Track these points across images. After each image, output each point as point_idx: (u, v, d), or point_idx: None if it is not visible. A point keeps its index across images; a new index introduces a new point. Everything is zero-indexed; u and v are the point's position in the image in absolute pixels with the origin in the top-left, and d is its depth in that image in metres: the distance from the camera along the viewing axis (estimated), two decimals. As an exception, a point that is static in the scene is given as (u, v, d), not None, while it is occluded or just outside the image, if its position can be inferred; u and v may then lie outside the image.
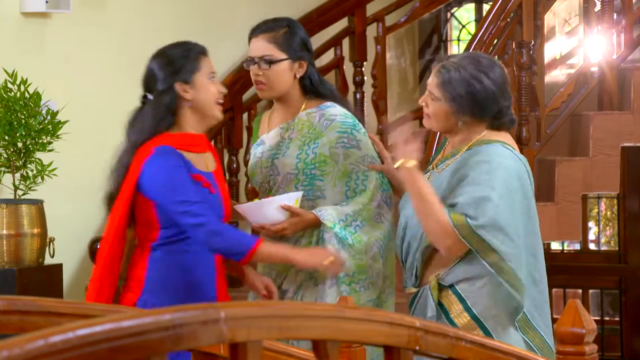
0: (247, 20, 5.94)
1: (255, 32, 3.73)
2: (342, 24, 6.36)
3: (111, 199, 3.50)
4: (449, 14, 8.65)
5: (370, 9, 6.44)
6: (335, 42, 6.31)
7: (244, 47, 5.89)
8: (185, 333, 1.61)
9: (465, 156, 3.49)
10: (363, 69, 6.40)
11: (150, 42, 5.38)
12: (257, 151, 3.71)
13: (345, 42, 6.38)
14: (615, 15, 5.78)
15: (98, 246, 4.38)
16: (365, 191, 3.67)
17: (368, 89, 6.48)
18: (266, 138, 3.72)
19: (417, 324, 2.05)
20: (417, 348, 2.05)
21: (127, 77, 5.31)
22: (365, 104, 6.42)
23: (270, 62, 3.65)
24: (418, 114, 7.05)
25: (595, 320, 2.52)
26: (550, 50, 6.78)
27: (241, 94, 5.84)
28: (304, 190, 3.63)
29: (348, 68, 6.39)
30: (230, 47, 5.87)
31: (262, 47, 3.68)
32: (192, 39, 5.63)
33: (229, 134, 5.79)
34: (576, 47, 6.82)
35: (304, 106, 3.70)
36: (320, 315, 1.89)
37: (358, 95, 6.39)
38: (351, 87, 6.39)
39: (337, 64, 6.34)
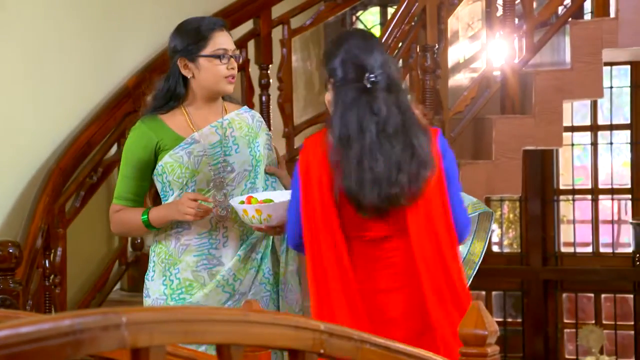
0: (151, 22, 5.90)
1: (220, 24, 3.68)
2: (248, 26, 6.34)
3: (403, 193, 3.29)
4: (354, 18, 8.70)
5: (276, 12, 6.44)
6: (240, 44, 6.28)
7: (148, 49, 5.86)
8: (86, 339, 1.58)
9: None
10: (269, 72, 6.39)
11: (51, 43, 5.31)
12: (194, 149, 3.61)
13: (251, 44, 6.36)
14: (516, 20, 5.87)
15: None
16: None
17: (274, 92, 6.47)
18: (198, 136, 3.64)
19: (322, 327, 2.04)
20: (322, 351, 2.04)
21: (27, 79, 5.21)
22: (271, 106, 6.41)
23: (239, 56, 3.74)
24: (323, 118, 7.08)
25: (498, 322, 2.55)
26: (454, 54, 6.86)
27: (144, 96, 5.78)
28: (250, 187, 3.68)
29: (253, 70, 6.37)
30: (135, 48, 5.80)
31: (230, 41, 3.69)
32: (94, 40, 5.57)
33: (133, 137, 5.72)
34: (479, 51, 6.91)
35: (225, 107, 3.73)
36: (225, 319, 1.87)
37: (264, 98, 6.37)
38: (257, 90, 6.37)
39: (242, 66, 6.31)
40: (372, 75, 3.34)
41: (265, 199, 3.53)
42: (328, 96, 3.48)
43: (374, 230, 3.36)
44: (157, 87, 3.73)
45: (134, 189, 3.66)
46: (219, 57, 3.61)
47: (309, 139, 3.46)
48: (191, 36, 3.63)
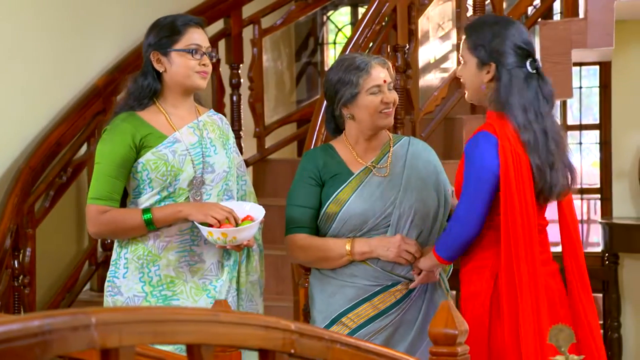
0: (121, 21, 5.87)
1: (195, 21, 3.70)
2: (218, 25, 6.33)
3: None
4: (325, 17, 8.70)
5: (246, 11, 6.43)
6: (211, 43, 6.24)
7: (118, 48, 5.83)
8: (55, 339, 1.57)
9: (415, 150, 3.80)
10: (239, 71, 6.39)
11: (19, 42, 5.27)
12: (178, 147, 3.61)
13: (222, 44, 6.36)
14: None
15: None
16: (252, 195, 3.83)
17: (245, 92, 6.46)
18: (180, 136, 3.63)
19: (292, 327, 2.04)
20: (292, 351, 2.04)
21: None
22: (242, 106, 6.41)
23: (213, 55, 3.75)
24: (294, 117, 7.08)
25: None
26: (425, 54, 6.86)
27: (114, 96, 5.76)
28: (225, 189, 3.69)
29: (224, 70, 6.36)
30: (104, 48, 5.78)
31: (205, 38, 3.70)
32: (64, 39, 5.54)
33: (103, 136, 5.69)
34: (449, 51, 6.92)
35: (196, 108, 3.73)
36: (195, 319, 1.87)
37: (235, 98, 6.37)
38: (227, 90, 6.37)
39: (213, 66, 6.29)
40: (537, 61, 3.53)
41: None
42: (469, 73, 3.58)
43: (540, 219, 3.55)
44: (132, 85, 3.70)
45: (117, 189, 3.59)
46: (191, 51, 3.61)
47: (492, 130, 3.49)
48: (165, 30, 3.63)
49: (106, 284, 3.68)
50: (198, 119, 3.71)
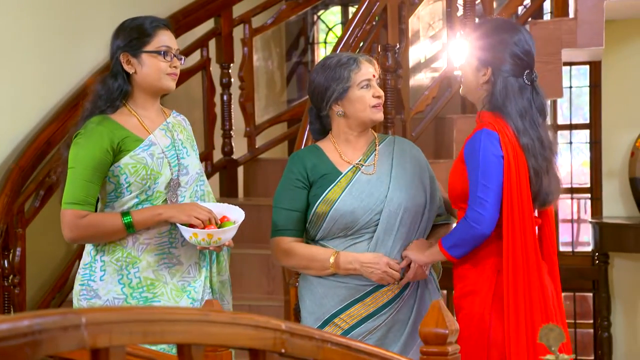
0: (111, 21, 5.85)
1: (164, 23, 3.69)
2: (209, 25, 6.33)
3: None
4: (315, 17, 8.70)
5: (237, 11, 6.43)
6: (201, 43, 6.28)
7: (107, 48, 5.80)
8: (45, 339, 1.57)
9: (401, 148, 3.79)
10: (230, 71, 6.38)
11: (8, 41, 5.26)
12: (155, 150, 3.60)
13: (212, 43, 6.35)
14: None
15: None
16: (210, 194, 3.80)
17: (235, 91, 6.46)
18: (154, 138, 3.63)
19: (283, 327, 2.04)
20: (283, 351, 2.04)
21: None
22: (232, 106, 6.41)
23: (182, 58, 3.74)
24: (285, 117, 7.08)
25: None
26: (415, 53, 6.87)
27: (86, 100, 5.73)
28: (196, 190, 3.69)
29: (215, 69, 6.36)
30: (94, 48, 5.77)
31: (174, 41, 3.69)
32: (53, 39, 5.53)
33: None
34: (440, 51, 6.93)
35: (162, 110, 3.72)
36: (185, 319, 1.87)
37: (225, 97, 6.37)
38: (218, 89, 6.37)
39: (203, 65, 6.30)
40: (534, 74, 3.55)
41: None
42: (467, 70, 3.61)
43: (536, 218, 3.59)
44: (100, 87, 3.66)
45: (93, 193, 3.56)
46: (162, 53, 3.60)
47: (492, 127, 3.51)
48: (135, 32, 3.62)
49: (78, 287, 3.62)
50: (167, 121, 3.71)
